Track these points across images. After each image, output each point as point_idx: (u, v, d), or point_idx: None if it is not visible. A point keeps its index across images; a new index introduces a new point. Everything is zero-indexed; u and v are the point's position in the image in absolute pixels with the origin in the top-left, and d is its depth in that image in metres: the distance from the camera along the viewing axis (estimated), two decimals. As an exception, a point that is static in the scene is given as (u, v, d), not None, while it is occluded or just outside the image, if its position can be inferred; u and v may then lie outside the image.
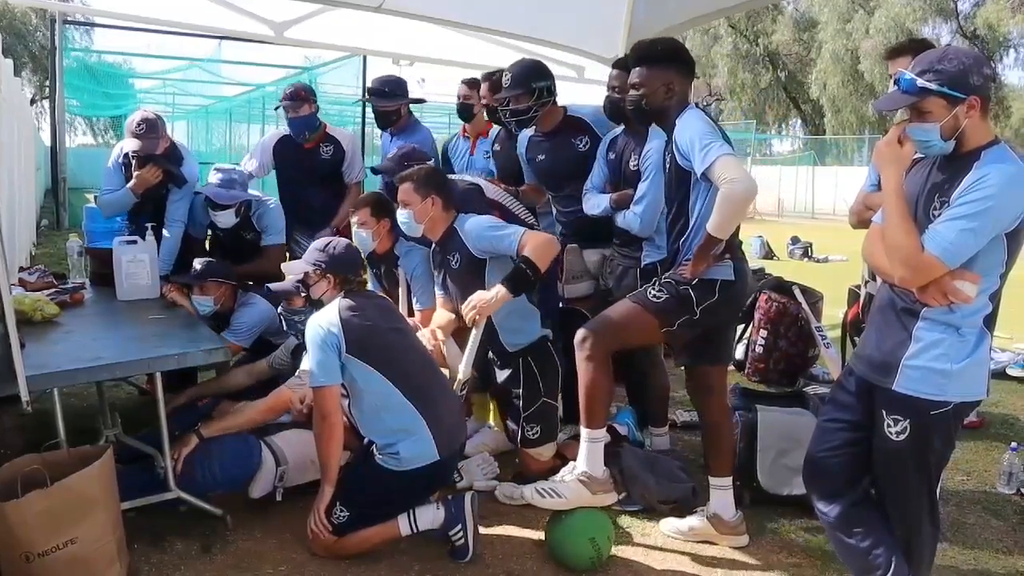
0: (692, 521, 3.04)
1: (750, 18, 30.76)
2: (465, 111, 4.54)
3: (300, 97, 4.28)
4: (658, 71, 2.79)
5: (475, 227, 3.18)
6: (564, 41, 5.69)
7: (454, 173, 4.20)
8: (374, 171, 3.84)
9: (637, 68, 2.84)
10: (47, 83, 21.83)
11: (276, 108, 4.45)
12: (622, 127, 3.53)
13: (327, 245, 2.98)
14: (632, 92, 2.85)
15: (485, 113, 4.18)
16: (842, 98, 28.68)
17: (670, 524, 3.09)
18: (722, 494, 2.99)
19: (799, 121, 33.92)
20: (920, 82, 2.04)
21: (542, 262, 3.02)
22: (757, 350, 3.71)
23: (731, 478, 3.00)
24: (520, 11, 5.35)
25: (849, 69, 27.99)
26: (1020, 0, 24.63)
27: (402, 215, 3.27)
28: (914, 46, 2.97)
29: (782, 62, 32.21)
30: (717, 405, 3.01)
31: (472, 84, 4.52)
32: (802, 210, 25.01)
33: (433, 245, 3.37)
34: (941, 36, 27.32)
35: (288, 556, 2.80)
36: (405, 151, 3.81)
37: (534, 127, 3.68)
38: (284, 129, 4.51)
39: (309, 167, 4.38)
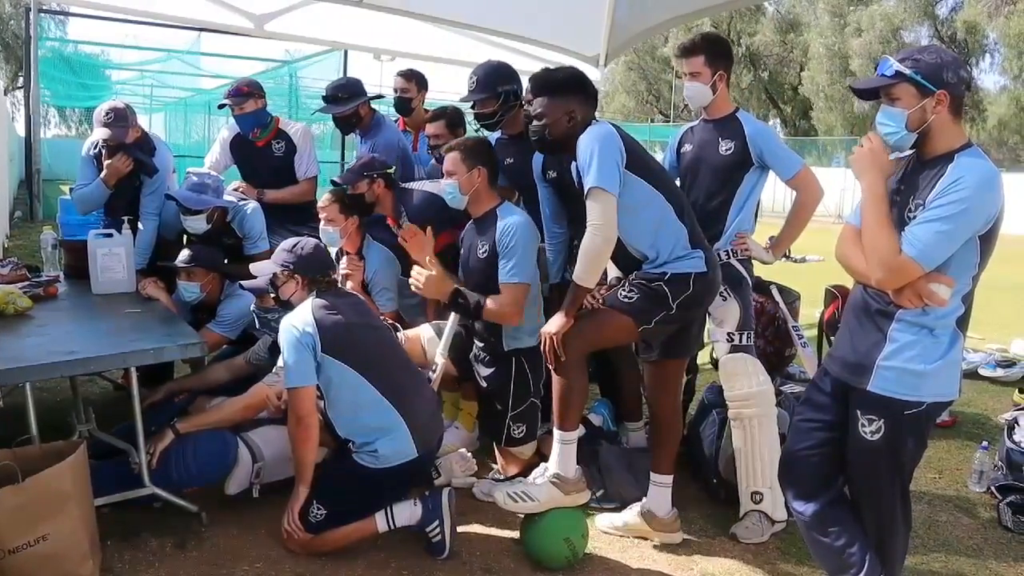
0: (626, 516, 3.06)
1: (732, 18, 30.96)
2: (402, 104, 4.46)
3: (243, 93, 4.13)
4: (559, 101, 2.76)
5: (512, 227, 3.12)
6: (545, 39, 5.70)
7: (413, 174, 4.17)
8: (334, 183, 3.77)
9: (538, 98, 2.81)
10: (21, 73, 21.51)
11: (220, 107, 4.29)
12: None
13: (295, 246, 2.96)
14: (535, 123, 2.82)
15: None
16: (830, 97, 28.93)
17: (605, 519, 3.11)
18: (660, 491, 3.00)
19: (779, 121, 34.19)
20: (897, 66, 2.09)
21: (490, 316, 3.14)
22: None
23: (671, 476, 3.01)
24: (501, 8, 5.35)
25: (837, 68, 28.27)
26: (995, 5, 24.98)
27: (447, 185, 3.22)
28: (705, 44, 3.14)
29: (763, 63, 32.45)
30: (672, 402, 3.04)
31: (409, 76, 4.44)
32: (780, 210, 25.19)
33: (471, 221, 3.32)
34: (921, 39, 27.68)
35: (264, 553, 2.78)
36: (365, 161, 3.74)
37: (500, 130, 3.63)
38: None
39: (263, 165, 4.28)
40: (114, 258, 3.66)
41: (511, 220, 3.15)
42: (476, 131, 3.79)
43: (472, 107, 3.55)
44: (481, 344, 3.35)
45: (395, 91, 4.50)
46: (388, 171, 3.70)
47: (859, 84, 2.25)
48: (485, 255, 3.19)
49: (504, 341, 3.27)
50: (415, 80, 4.46)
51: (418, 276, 3.17)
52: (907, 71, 2.08)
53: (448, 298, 3.17)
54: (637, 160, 2.71)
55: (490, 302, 3.13)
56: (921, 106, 2.08)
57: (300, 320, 2.75)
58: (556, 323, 2.68)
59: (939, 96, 2.06)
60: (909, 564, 2.74)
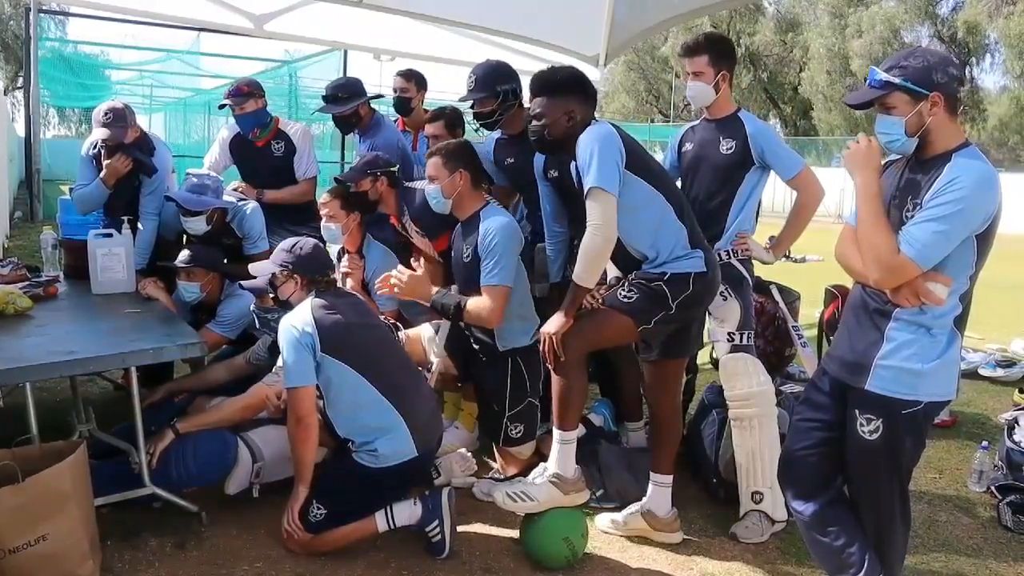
0: (626, 516, 3.06)
1: (732, 18, 30.96)
2: (402, 104, 4.46)
3: (243, 93, 4.13)
4: (558, 101, 2.76)
5: (492, 230, 3.11)
6: (545, 39, 5.70)
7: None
8: (337, 180, 3.77)
9: (537, 98, 2.80)
10: (21, 73, 21.51)
11: (221, 107, 4.30)
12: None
13: (294, 246, 2.96)
14: (534, 122, 2.81)
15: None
16: (830, 97, 28.95)
17: (605, 519, 3.11)
18: (660, 490, 3.01)
19: (779, 121, 34.18)
20: (884, 76, 2.09)
21: (470, 319, 3.14)
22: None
23: (671, 476, 3.01)
24: (501, 8, 5.35)
25: (837, 69, 28.27)
26: (996, 5, 24.99)
27: (430, 190, 3.23)
28: (709, 44, 3.15)
29: (763, 63, 32.44)
30: (672, 402, 3.04)
31: (408, 76, 4.45)
32: (780, 210, 25.22)
33: (459, 224, 3.33)
34: (921, 39, 27.71)
35: (264, 553, 2.78)
36: (368, 159, 3.73)
37: (500, 129, 3.62)
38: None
39: (263, 165, 4.27)
40: (114, 258, 3.66)
41: (492, 222, 3.14)
42: (476, 131, 3.79)
43: (471, 107, 3.55)
44: (477, 345, 3.34)
45: (395, 91, 4.50)
46: (392, 169, 3.69)
47: (852, 99, 2.24)
48: (469, 259, 3.19)
49: (498, 341, 3.27)
50: (414, 80, 4.47)
51: (400, 276, 3.19)
52: (896, 80, 2.07)
53: (428, 300, 3.19)
54: (637, 160, 2.71)
55: (470, 304, 3.13)
56: (917, 111, 2.07)
57: (299, 320, 2.75)
58: (556, 323, 2.67)
59: (933, 98, 2.06)
60: (909, 564, 2.74)
